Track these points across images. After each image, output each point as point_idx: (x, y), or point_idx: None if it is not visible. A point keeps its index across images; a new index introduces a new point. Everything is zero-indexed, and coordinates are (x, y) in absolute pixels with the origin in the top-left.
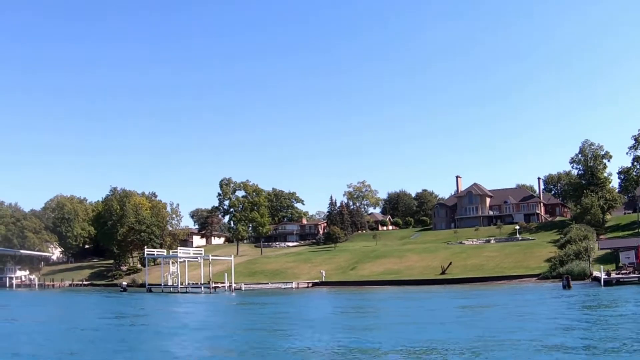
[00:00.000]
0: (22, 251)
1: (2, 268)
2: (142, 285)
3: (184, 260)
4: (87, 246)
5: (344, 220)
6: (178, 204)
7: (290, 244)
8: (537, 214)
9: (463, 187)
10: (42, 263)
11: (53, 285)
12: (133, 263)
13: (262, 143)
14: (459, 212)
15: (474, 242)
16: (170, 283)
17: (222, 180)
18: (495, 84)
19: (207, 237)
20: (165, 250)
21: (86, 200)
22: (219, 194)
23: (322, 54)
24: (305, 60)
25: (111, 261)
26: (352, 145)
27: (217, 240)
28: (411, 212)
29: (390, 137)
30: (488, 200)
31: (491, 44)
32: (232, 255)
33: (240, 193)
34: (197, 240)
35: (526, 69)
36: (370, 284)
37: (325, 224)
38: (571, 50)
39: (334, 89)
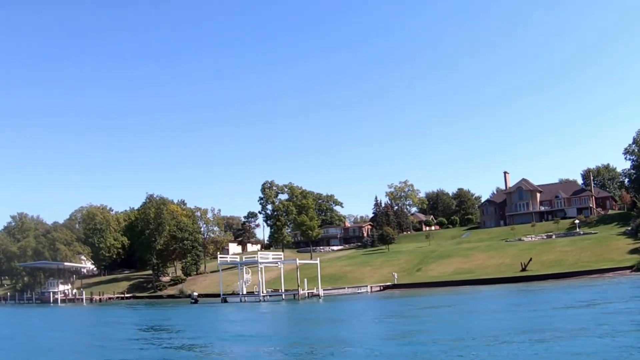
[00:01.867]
0: (65, 264)
1: (42, 282)
2: (190, 295)
3: (262, 267)
4: (114, 257)
5: (390, 222)
6: (219, 210)
7: (335, 247)
8: (590, 207)
9: (511, 183)
10: (74, 276)
11: (100, 300)
12: (176, 273)
13: (287, 147)
14: (509, 208)
15: (533, 239)
16: (244, 291)
17: (264, 184)
18: (520, 83)
19: (244, 243)
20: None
21: (111, 210)
22: (261, 198)
23: (351, 56)
24: (332, 64)
25: (145, 272)
26: (384, 147)
27: (252, 247)
28: (450, 211)
29: (421, 137)
30: (538, 195)
31: (505, 47)
32: (318, 259)
33: (282, 196)
34: (233, 248)
35: (558, 65)
36: (447, 284)
37: (369, 226)
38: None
39: (361, 92)
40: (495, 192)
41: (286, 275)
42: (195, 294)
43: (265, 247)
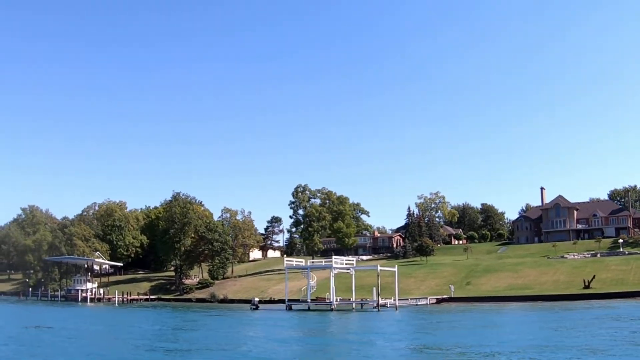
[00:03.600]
0: (97, 260)
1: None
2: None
3: (336, 272)
4: (132, 256)
5: (422, 233)
6: (250, 212)
7: (364, 257)
8: (628, 227)
9: (547, 199)
10: (89, 274)
11: (129, 300)
12: (199, 276)
13: (309, 155)
14: (545, 225)
15: (575, 256)
16: (308, 298)
17: (297, 187)
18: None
19: (265, 249)
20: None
21: (126, 207)
22: (292, 202)
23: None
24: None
25: (162, 273)
26: (409, 158)
27: (272, 253)
28: (476, 225)
29: (450, 151)
30: (575, 213)
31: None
32: (396, 267)
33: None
34: (254, 253)
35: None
36: (505, 299)
37: (399, 237)
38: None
39: (384, 103)
40: (525, 209)
41: (322, 284)
42: (256, 299)
43: (287, 253)
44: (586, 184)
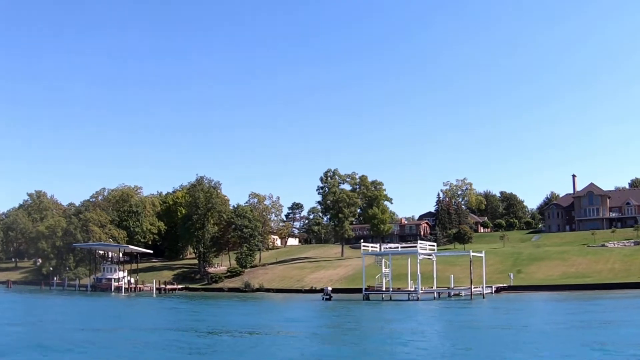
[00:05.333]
0: (131, 247)
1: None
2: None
3: (420, 259)
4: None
5: (452, 221)
6: (279, 197)
7: (392, 245)
8: None
9: (578, 187)
10: (105, 262)
11: (165, 290)
12: (222, 264)
13: (331, 139)
14: (578, 213)
15: (615, 245)
16: (383, 287)
17: (326, 172)
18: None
19: (283, 237)
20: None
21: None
22: (321, 187)
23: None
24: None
25: (180, 261)
26: (426, 146)
27: (292, 241)
28: (497, 214)
29: (466, 138)
30: (608, 201)
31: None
32: (484, 252)
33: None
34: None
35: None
36: (568, 288)
37: (426, 224)
38: None
39: (418, 88)
40: (549, 197)
41: (356, 273)
42: (329, 288)
43: (306, 241)
44: (609, 172)
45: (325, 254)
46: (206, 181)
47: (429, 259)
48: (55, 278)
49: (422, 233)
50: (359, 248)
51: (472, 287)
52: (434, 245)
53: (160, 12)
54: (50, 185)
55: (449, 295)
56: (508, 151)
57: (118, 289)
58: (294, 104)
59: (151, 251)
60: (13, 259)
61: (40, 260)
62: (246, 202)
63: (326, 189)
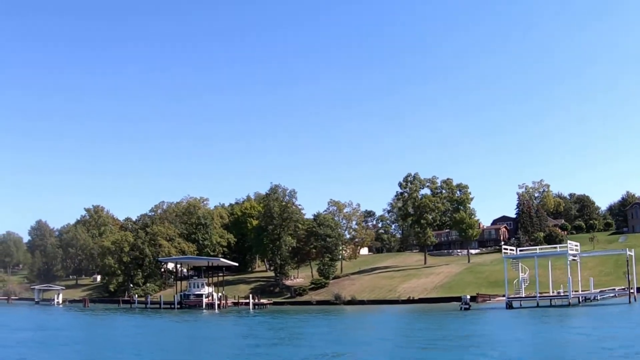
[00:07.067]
0: (221, 259)
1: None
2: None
3: (574, 260)
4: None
5: (533, 224)
6: (359, 204)
7: (473, 251)
8: None
9: None
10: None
11: (260, 305)
12: (313, 275)
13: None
14: None
15: None
16: (522, 293)
17: (406, 176)
18: None
19: (361, 246)
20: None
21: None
22: (400, 193)
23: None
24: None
25: (249, 274)
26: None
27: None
28: (570, 216)
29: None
30: None
31: None
32: (628, 252)
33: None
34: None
35: None
36: None
37: (504, 228)
38: None
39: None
40: (625, 196)
41: (456, 279)
42: (468, 297)
43: (378, 250)
44: None
45: (405, 262)
46: (280, 190)
47: (574, 259)
48: (135, 295)
49: (501, 238)
50: (441, 255)
51: (628, 289)
52: (577, 245)
53: (207, 26)
54: (100, 200)
55: (591, 299)
56: (577, 152)
57: (210, 305)
58: (347, 110)
59: (237, 264)
60: (71, 277)
61: (98, 277)
62: (325, 210)
63: (406, 194)
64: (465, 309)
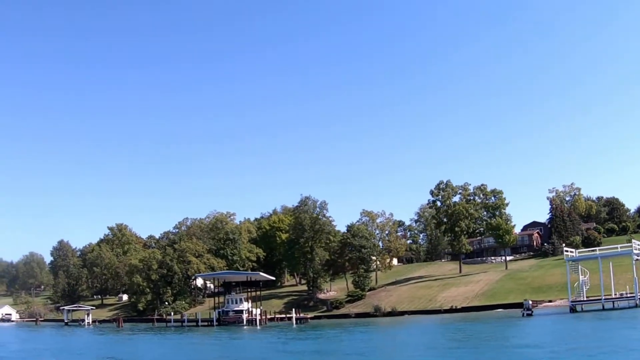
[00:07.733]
0: (261, 273)
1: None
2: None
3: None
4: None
5: (567, 228)
6: (392, 213)
7: (508, 257)
8: None
9: None
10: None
11: (302, 320)
12: (348, 287)
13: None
14: None
15: None
16: (583, 296)
17: (439, 184)
18: None
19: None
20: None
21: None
22: (433, 201)
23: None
24: None
25: (280, 289)
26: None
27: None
28: (600, 219)
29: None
30: None
31: None
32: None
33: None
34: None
35: None
36: None
37: (537, 234)
38: None
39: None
40: None
41: (494, 287)
42: (529, 302)
43: (408, 260)
44: None
45: (439, 272)
46: (311, 202)
47: (638, 259)
48: (172, 313)
49: (534, 243)
50: (474, 263)
51: None
52: None
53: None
54: (119, 219)
55: None
56: (602, 155)
57: (250, 321)
58: (377, 118)
59: (274, 278)
60: (95, 296)
61: (125, 296)
62: (357, 221)
63: (438, 202)
64: (528, 314)
